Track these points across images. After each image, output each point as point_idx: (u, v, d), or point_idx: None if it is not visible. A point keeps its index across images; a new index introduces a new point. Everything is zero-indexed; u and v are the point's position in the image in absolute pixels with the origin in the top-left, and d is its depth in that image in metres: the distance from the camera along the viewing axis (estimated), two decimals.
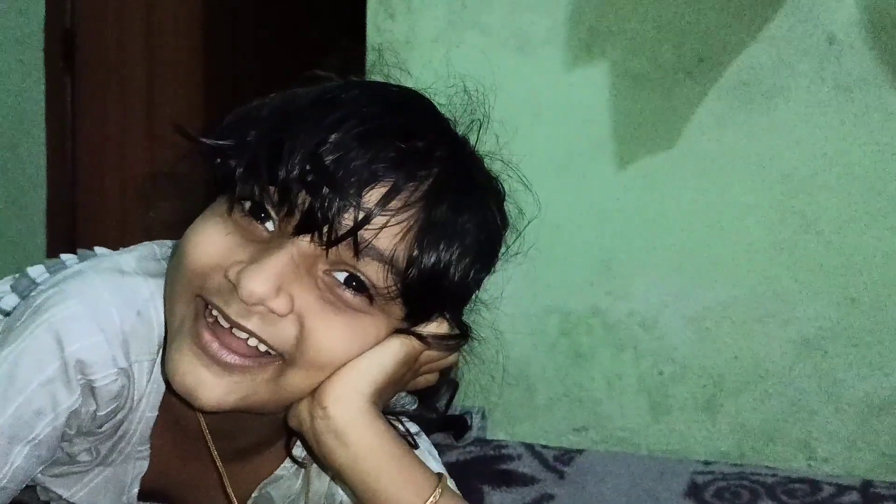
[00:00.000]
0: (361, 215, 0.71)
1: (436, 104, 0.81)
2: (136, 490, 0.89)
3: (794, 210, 1.88)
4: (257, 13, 3.09)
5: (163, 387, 0.81)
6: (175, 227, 0.80)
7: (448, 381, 0.87)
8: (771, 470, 1.90)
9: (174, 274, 0.77)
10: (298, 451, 0.88)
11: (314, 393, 0.76)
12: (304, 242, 0.72)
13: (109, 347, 0.76)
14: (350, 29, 2.09)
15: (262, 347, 0.73)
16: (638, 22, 1.92)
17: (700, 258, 1.94)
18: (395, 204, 0.72)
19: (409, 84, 0.82)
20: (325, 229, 0.71)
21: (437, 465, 0.90)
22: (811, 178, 1.87)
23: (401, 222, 0.72)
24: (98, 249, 0.95)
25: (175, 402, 0.78)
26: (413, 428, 0.88)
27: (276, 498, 0.93)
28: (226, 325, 0.73)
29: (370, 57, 0.89)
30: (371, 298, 0.74)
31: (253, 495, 0.92)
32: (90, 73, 2.91)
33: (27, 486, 0.82)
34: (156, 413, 0.83)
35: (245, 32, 3.08)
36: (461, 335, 0.80)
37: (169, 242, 0.87)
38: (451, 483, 0.83)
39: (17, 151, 2.83)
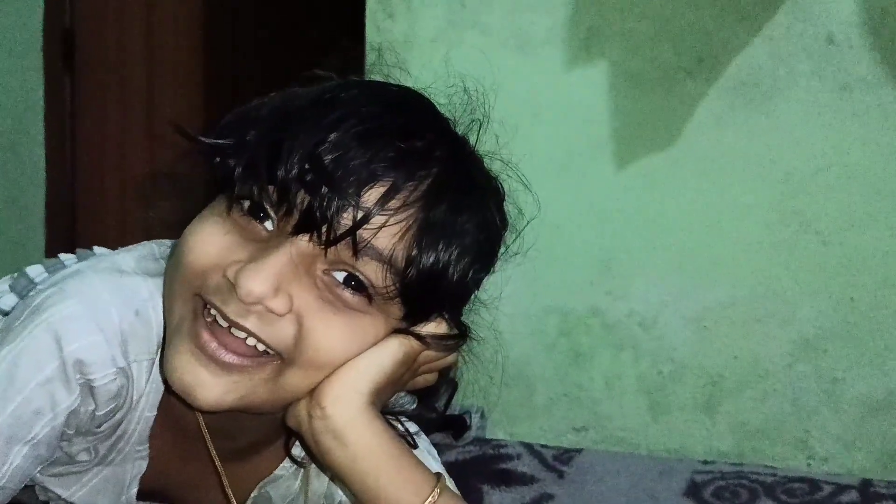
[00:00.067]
0: (360, 215, 0.71)
1: (435, 104, 0.81)
2: (134, 490, 0.89)
3: (794, 210, 1.88)
4: (257, 13, 3.09)
5: (162, 386, 0.81)
6: (174, 227, 0.80)
7: (447, 380, 0.87)
8: (770, 469, 1.90)
9: (173, 273, 0.77)
10: (297, 450, 0.89)
11: (313, 393, 0.76)
12: (303, 242, 0.72)
13: (108, 347, 0.76)
14: (350, 28, 2.09)
15: (261, 347, 0.73)
16: (638, 22, 1.92)
17: (700, 258, 1.93)
18: (394, 203, 0.72)
19: (408, 84, 0.82)
20: (324, 229, 0.71)
21: (436, 465, 0.90)
22: (811, 177, 1.87)
23: (400, 222, 0.72)
24: (97, 249, 0.95)
25: (174, 401, 0.78)
26: (412, 427, 0.88)
27: (276, 498, 0.93)
28: (224, 324, 0.73)
29: (370, 57, 0.89)
30: (370, 298, 0.74)
31: (252, 495, 0.92)
32: (90, 73, 2.91)
33: (26, 486, 0.82)
34: (155, 413, 0.83)
35: (245, 32, 3.08)
36: (460, 335, 0.80)
37: (168, 242, 0.86)
38: (450, 483, 0.83)
39: (17, 151, 2.83)
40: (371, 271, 0.73)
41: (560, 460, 1.93)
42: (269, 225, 0.74)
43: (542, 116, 1.97)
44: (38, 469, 0.80)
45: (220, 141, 0.75)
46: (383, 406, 0.81)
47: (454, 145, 0.78)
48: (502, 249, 0.82)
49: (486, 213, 0.79)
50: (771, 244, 1.90)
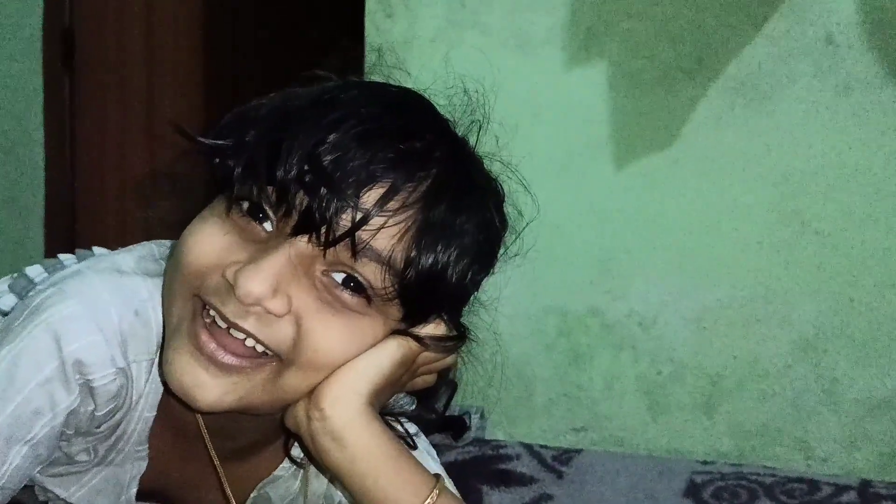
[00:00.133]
0: (359, 216, 0.71)
1: (435, 105, 0.81)
2: (134, 490, 0.89)
3: (793, 210, 1.88)
4: (257, 13, 3.08)
5: (161, 387, 0.81)
6: (174, 227, 0.79)
7: (446, 381, 0.87)
8: (769, 470, 1.90)
9: (172, 274, 0.77)
10: (297, 451, 0.89)
11: (311, 394, 0.76)
12: (302, 243, 0.72)
13: (108, 347, 0.76)
14: (349, 29, 2.09)
15: (260, 348, 0.73)
16: (637, 22, 1.92)
17: (699, 258, 1.94)
18: (393, 204, 0.71)
19: (408, 84, 0.82)
20: (323, 230, 0.71)
21: (435, 466, 0.90)
22: (810, 177, 1.87)
23: (399, 223, 0.72)
24: (96, 249, 0.95)
25: (173, 402, 0.78)
26: (412, 428, 0.88)
27: (275, 498, 0.93)
28: (223, 325, 0.73)
29: (369, 57, 0.89)
30: (369, 299, 0.74)
31: (251, 495, 0.92)
32: (89, 73, 2.90)
33: (25, 486, 0.82)
34: (154, 413, 0.83)
35: (245, 32, 3.08)
36: (459, 336, 0.80)
37: (168, 242, 0.86)
38: (449, 483, 0.83)
39: (16, 151, 2.83)
40: (370, 272, 0.72)
41: (559, 461, 1.93)
42: (268, 226, 0.74)
43: (542, 116, 1.97)
44: (38, 469, 0.80)
45: (219, 141, 0.75)
46: (382, 407, 0.81)
47: (454, 146, 0.78)
48: (502, 250, 0.82)
49: (486, 214, 0.79)
50: (771, 244, 1.90)
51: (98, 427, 0.81)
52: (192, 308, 0.74)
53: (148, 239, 0.89)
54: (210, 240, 0.74)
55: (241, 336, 0.73)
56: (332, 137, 0.71)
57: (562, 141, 1.98)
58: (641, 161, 1.94)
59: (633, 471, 1.89)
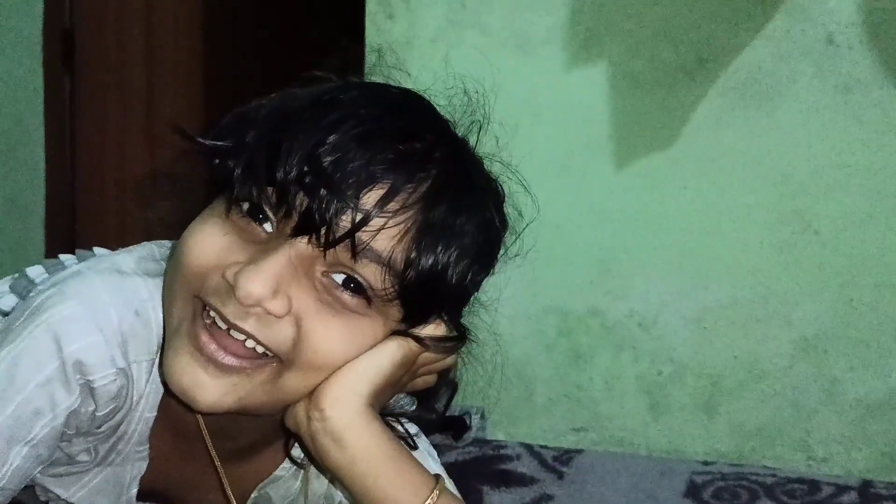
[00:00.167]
0: (359, 217, 0.71)
1: (435, 105, 0.81)
2: (134, 490, 0.89)
3: (794, 210, 1.88)
4: (257, 13, 3.08)
5: (161, 387, 0.81)
6: (174, 227, 0.79)
7: (447, 381, 0.87)
8: (770, 470, 1.90)
9: (172, 274, 0.77)
10: (297, 451, 0.88)
11: (311, 394, 0.76)
12: (302, 244, 0.72)
13: (108, 347, 0.76)
14: (350, 29, 2.09)
15: (260, 349, 0.73)
16: (637, 22, 1.92)
17: (699, 258, 1.94)
18: (393, 205, 0.71)
19: (408, 84, 0.82)
20: (323, 231, 0.71)
21: (436, 466, 0.90)
22: (810, 178, 1.87)
23: (399, 224, 0.72)
24: (97, 250, 0.95)
25: (174, 402, 0.78)
26: (412, 429, 0.88)
27: (275, 498, 0.93)
28: (223, 326, 0.73)
29: (369, 57, 0.89)
30: (369, 300, 0.74)
31: (252, 496, 0.92)
32: (89, 73, 2.90)
33: (26, 487, 0.82)
34: (155, 413, 0.83)
35: (245, 32, 3.08)
36: (459, 337, 0.80)
37: (168, 243, 0.86)
38: (449, 484, 0.83)
39: (16, 151, 2.83)
40: (370, 273, 0.72)
41: (560, 461, 1.93)
42: (268, 227, 0.74)
43: (542, 116, 1.97)
44: (38, 469, 0.80)
45: (219, 142, 0.75)
46: (383, 408, 0.81)
47: (454, 147, 0.78)
48: (502, 251, 0.82)
49: (486, 215, 0.79)
50: (771, 244, 1.90)
51: (99, 427, 0.81)
52: (193, 309, 0.74)
53: (148, 239, 0.89)
54: (210, 241, 0.74)
55: (242, 337, 0.73)
56: (331, 138, 0.71)
57: (562, 141, 1.98)
58: (641, 161, 1.94)
59: (633, 471, 1.89)
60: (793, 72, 1.86)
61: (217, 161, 0.75)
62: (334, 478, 0.81)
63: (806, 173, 1.87)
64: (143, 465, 0.87)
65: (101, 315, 0.77)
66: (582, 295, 1.99)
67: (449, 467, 0.92)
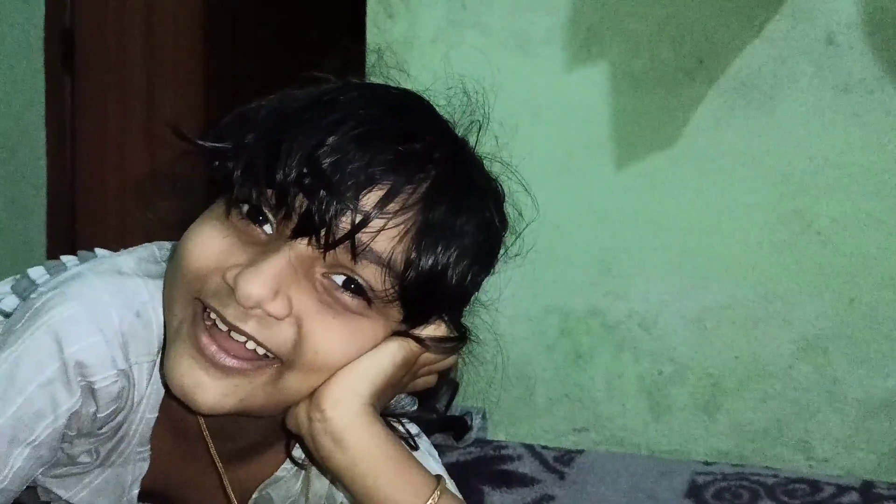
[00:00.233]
0: (359, 218, 0.71)
1: (435, 105, 0.81)
2: (136, 491, 0.89)
3: (794, 210, 1.88)
4: (257, 13, 3.09)
5: (162, 388, 0.81)
6: (174, 228, 0.80)
7: (448, 381, 0.87)
8: (771, 470, 1.90)
9: (172, 276, 0.77)
10: (298, 452, 0.88)
11: (312, 395, 0.76)
12: (302, 245, 0.72)
13: (108, 348, 0.77)
14: (350, 29, 2.09)
15: (260, 350, 0.73)
16: (638, 22, 1.92)
17: (700, 258, 1.93)
18: (392, 206, 0.71)
19: (408, 84, 0.82)
20: (323, 232, 0.71)
21: (437, 466, 0.90)
22: (810, 178, 1.87)
23: (398, 225, 0.72)
24: (98, 251, 0.95)
25: (175, 403, 0.78)
26: (413, 429, 0.88)
27: (277, 499, 0.93)
28: (224, 327, 0.73)
29: (370, 57, 0.89)
30: (369, 301, 0.74)
31: (253, 496, 0.92)
32: (90, 73, 2.90)
33: (27, 487, 0.82)
34: (156, 414, 0.83)
35: (245, 32, 3.08)
36: (460, 337, 0.80)
37: (168, 244, 0.86)
38: (450, 484, 0.83)
39: (17, 152, 2.83)
40: (370, 274, 0.72)
41: (561, 461, 1.93)
42: (268, 228, 0.74)
43: (542, 116, 1.97)
44: (40, 471, 0.80)
45: (218, 144, 0.75)
46: (384, 408, 0.81)
47: (453, 147, 0.78)
48: (502, 251, 0.82)
49: (486, 215, 0.79)
50: (771, 244, 1.90)
51: (100, 428, 0.81)
52: (193, 311, 0.74)
53: (148, 240, 0.89)
54: (210, 242, 0.74)
55: (242, 339, 0.73)
56: (331, 140, 0.71)
57: (562, 141, 1.98)
58: (641, 161, 1.94)
59: (634, 471, 1.89)
60: (793, 72, 1.86)
61: (216, 162, 0.75)
62: (335, 478, 0.81)
63: (806, 173, 1.87)
64: (145, 466, 0.87)
65: (102, 316, 0.77)
66: (582, 295, 1.99)
67: (450, 468, 0.92)
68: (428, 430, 0.92)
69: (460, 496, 0.82)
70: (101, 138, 2.94)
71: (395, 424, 0.85)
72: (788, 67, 1.86)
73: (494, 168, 0.83)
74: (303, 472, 0.92)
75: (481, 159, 0.82)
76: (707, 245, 1.93)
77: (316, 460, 0.79)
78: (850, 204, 1.86)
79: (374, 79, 0.84)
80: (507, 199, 0.82)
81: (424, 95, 0.81)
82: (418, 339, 0.77)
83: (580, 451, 1.98)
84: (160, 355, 0.80)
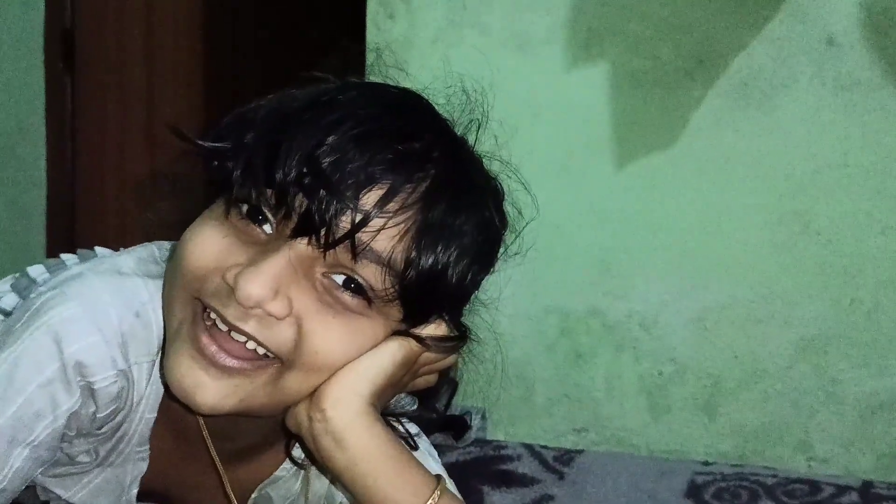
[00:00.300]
0: (359, 218, 0.71)
1: (434, 104, 0.81)
2: (135, 491, 0.89)
3: (794, 210, 1.88)
4: (257, 13, 3.08)
5: (162, 388, 0.81)
6: (174, 228, 0.79)
7: (448, 381, 0.87)
8: (770, 470, 1.90)
9: (172, 276, 0.76)
10: (298, 452, 0.88)
11: (312, 395, 0.76)
12: (302, 245, 0.72)
13: (108, 349, 0.76)
14: (350, 29, 2.09)
15: (261, 350, 0.73)
16: (638, 22, 1.92)
17: (700, 258, 1.93)
18: (392, 206, 0.71)
19: (407, 84, 0.82)
20: (323, 232, 0.71)
21: (436, 466, 0.90)
22: (811, 178, 1.87)
23: (398, 224, 0.72)
24: (98, 249, 0.95)
25: (174, 403, 0.78)
26: (413, 429, 0.88)
27: (276, 499, 0.93)
28: (224, 327, 0.73)
29: (369, 57, 0.89)
30: (369, 301, 0.73)
31: (252, 496, 0.92)
32: (90, 73, 2.90)
33: (26, 486, 0.82)
34: (155, 414, 0.83)
35: (245, 32, 3.08)
36: (460, 337, 0.79)
37: (168, 244, 0.86)
38: (450, 484, 0.83)
39: (17, 152, 2.83)
40: (370, 274, 0.72)
41: (560, 461, 1.93)
42: (267, 228, 0.74)
43: (541, 116, 1.97)
44: (39, 470, 0.80)
45: (217, 144, 0.75)
46: (384, 408, 0.81)
47: (453, 146, 0.78)
48: (502, 250, 0.82)
49: (485, 214, 0.78)
50: (771, 244, 1.90)
51: (99, 428, 0.81)
52: (193, 311, 0.74)
53: (148, 239, 0.89)
54: (209, 242, 0.74)
55: (242, 339, 0.73)
56: (330, 139, 0.71)
57: (562, 141, 1.98)
58: (641, 161, 1.94)
59: (633, 471, 1.89)
60: (793, 72, 1.86)
61: (216, 162, 0.75)
62: (335, 478, 0.81)
63: (806, 173, 1.87)
64: (144, 466, 0.87)
65: (102, 316, 0.77)
66: (582, 295, 1.99)
67: (449, 467, 0.92)
68: (427, 429, 0.92)
69: (460, 496, 0.82)
70: (101, 138, 2.94)
71: (395, 424, 0.85)
72: (788, 67, 1.86)
73: (494, 167, 0.83)
74: (302, 471, 0.92)
75: (481, 158, 0.82)
76: (707, 245, 1.93)
77: (316, 460, 0.79)
78: (850, 204, 1.86)
79: (374, 78, 0.84)
80: (506, 197, 0.82)
81: (423, 94, 0.81)
82: (418, 339, 0.77)
83: (580, 451, 1.98)
84: (160, 355, 0.80)
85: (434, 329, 0.77)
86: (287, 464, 0.91)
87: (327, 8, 2.88)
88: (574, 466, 1.91)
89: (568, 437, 2.02)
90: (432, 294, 0.75)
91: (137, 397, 0.81)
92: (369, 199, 0.71)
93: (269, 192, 0.72)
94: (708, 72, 1.89)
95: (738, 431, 1.94)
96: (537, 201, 0.86)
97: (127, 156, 2.94)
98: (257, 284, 0.70)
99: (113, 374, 0.77)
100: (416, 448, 0.86)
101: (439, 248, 0.74)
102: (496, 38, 1.98)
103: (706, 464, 1.92)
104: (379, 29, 2.02)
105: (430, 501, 0.76)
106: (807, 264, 1.88)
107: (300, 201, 0.71)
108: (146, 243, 0.87)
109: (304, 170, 0.70)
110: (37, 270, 0.92)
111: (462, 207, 0.76)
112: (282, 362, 0.74)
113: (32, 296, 0.80)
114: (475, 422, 1.99)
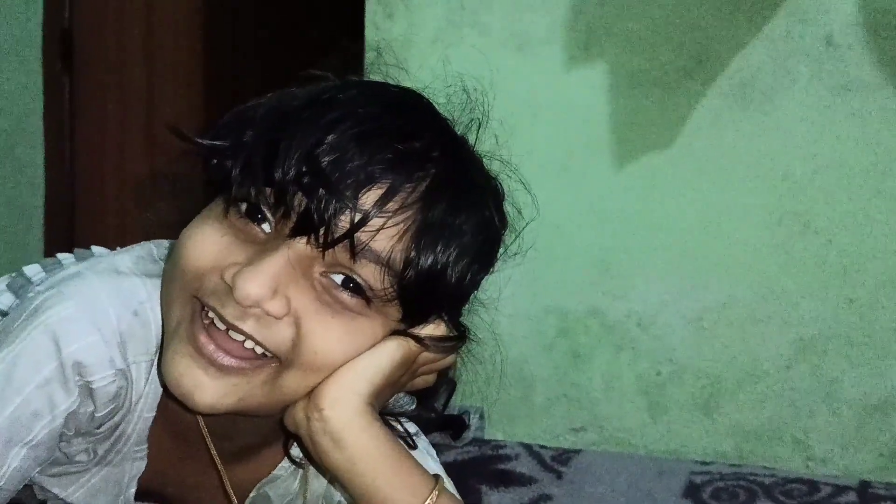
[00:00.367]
0: (358, 217, 0.70)
1: (434, 103, 0.80)
2: (133, 490, 0.89)
3: (793, 210, 1.88)
4: (257, 13, 3.08)
5: (160, 387, 0.81)
6: (173, 228, 0.79)
7: (446, 380, 0.87)
8: (768, 470, 1.90)
9: (170, 275, 0.76)
10: (296, 451, 0.88)
11: (311, 395, 0.75)
12: (301, 244, 0.72)
13: (106, 348, 0.76)
14: (349, 28, 2.09)
15: (259, 350, 0.73)
16: (637, 22, 1.92)
17: (698, 258, 1.93)
18: (391, 205, 0.71)
19: (407, 83, 0.82)
20: (322, 231, 0.71)
21: (435, 466, 0.90)
22: (809, 178, 1.87)
23: (398, 224, 0.72)
24: (95, 249, 0.95)
25: (172, 402, 0.78)
26: (411, 428, 0.88)
27: (274, 498, 0.93)
28: (222, 327, 0.73)
29: (369, 56, 0.88)
30: (368, 300, 0.73)
31: (251, 495, 0.92)
32: (89, 73, 2.90)
33: (24, 486, 0.82)
34: (153, 413, 0.83)
35: (245, 32, 3.08)
36: (459, 336, 0.79)
37: (166, 243, 0.86)
38: (448, 484, 0.83)
39: (16, 151, 2.83)
40: (369, 273, 0.72)
41: (558, 461, 1.93)
42: (266, 227, 0.73)
43: (541, 116, 1.97)
44: (37, 470, 0.80)
45: (216, 142, 0.75)
46: (382, 407, 0.81)
47: (452, 145, 0.78)
48: (501, 250, 0.82)
49: (485, 213, 0.78)
50: (770, 244, 1.90)
51: (98, 428, 0.81)
52: (191, 310, 0.74)
53: (147, 239, 0.88)
54: (208, 241, 0.74)
55: (241, 338, 0.73)
56: (330, 138, 0.71)
57: (562, 141, 1.98)
58: (641, 161, 1.94)
59: (632, 471, 1.89)
60: (792, 72, 1.86)
61: (215, 161, 0.75)
62: (333, 478, 0.81)
63: (805, 173, 1.87)
64: (142, 465, 0.87)
65: (100, 315, 0.77)
66: (581, 295, 1.99)
67: (448, 467, 0.92)
68: (426, 429, 0.92)
69: (458, 496, 0.82)
70: (101, 138, 2.94)
71: (394, 423, 0.85)
72: (788, 68, 1.86)
73: (494, 166, 0.83)
74: (301, 471, 0.92)
75: (481, 157, 0.82)
76: (706, 245, 1.93)
77: (314, 459, 0.79)
78: (849, 204, 1.86)
79: (373, 77, 0.84)
80: (506, 197, 0.82)
81: (423, 93, 0.81)
82: (417, 339, 0.77)
83: (578, 451, 1.98)
84: (158, 355, 0.79)
85: (433, 329, 0.77)
86: (285, 463, 0.91)
87: (327, 8, 2.88)
88: (572, 466, 1.91)
89: (566, 436, 2.02)
90: (431, 294, 0.75)
91: (136, 397, 0.81)
92: (369, 198, 0.71)
93: (268, 190, 0.72)
94: (707, 72, 1.89)
95: (737, 431, 1.94)
96: (537, 201, 0.86)
97: (126, 156, 2.93)
98: (256, 283, 0.70)
99: (111, 373, 0.77)
100: (414, 447, 0.86)
101: (439, 247, 0.73)
102: (496, 38, 1.98)
103: (704, 463, 1.93)
104: (378, 28, 2.02)
105: (428, 501, 0.76)
106: (806, 264, 1.88)
107: (299, 200, 0.71)
108: (144, 242, 0.87)
109: (304, 169, 0.70)
110: (33, 270, 0.92)
111: (462, 207, 0.76)
112: (280, 362, 0.74)
113: (30, 295, 0.80)
114: (473, 421, 1.99)
